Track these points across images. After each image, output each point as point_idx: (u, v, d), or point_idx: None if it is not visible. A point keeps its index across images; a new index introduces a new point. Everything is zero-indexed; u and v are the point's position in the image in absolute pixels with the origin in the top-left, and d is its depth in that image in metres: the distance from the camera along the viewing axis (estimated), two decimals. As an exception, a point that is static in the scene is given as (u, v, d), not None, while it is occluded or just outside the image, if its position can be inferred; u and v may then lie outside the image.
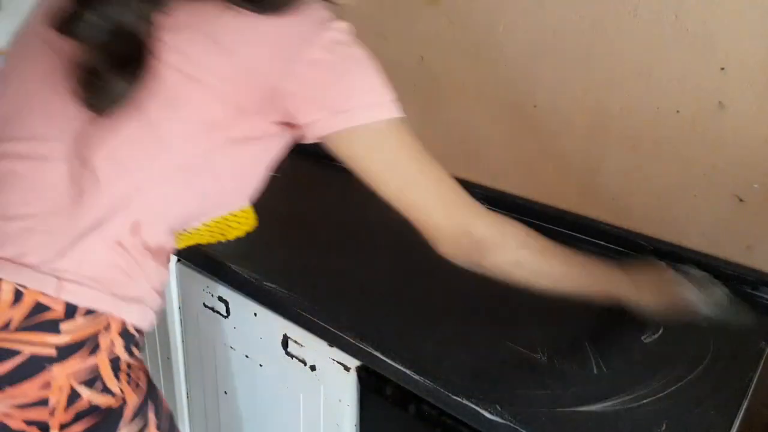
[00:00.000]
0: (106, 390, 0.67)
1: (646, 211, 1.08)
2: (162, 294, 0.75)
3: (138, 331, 0.71)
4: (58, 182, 0.65)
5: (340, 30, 0.71)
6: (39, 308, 0.63)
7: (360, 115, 0.70)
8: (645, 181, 1.06)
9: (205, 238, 0.84)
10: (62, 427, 0.64)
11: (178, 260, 1.10)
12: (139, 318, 0.70)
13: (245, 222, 0.88)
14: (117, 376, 0.68)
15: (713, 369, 0.81)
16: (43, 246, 0.64)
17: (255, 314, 0.98)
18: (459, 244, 0.75)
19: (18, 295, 0.62)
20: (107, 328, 0.67)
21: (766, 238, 0.98)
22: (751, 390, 0.79)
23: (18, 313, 0.62)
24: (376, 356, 0.82)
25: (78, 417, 0.65)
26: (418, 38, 1.28)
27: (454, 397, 0.75)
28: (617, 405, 0.74)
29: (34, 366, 0.63)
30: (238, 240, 1.12)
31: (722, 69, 0.94)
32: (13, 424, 0.63)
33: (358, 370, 0.87)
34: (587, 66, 1.07)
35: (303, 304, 0.90)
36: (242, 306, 1.00)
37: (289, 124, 0.71)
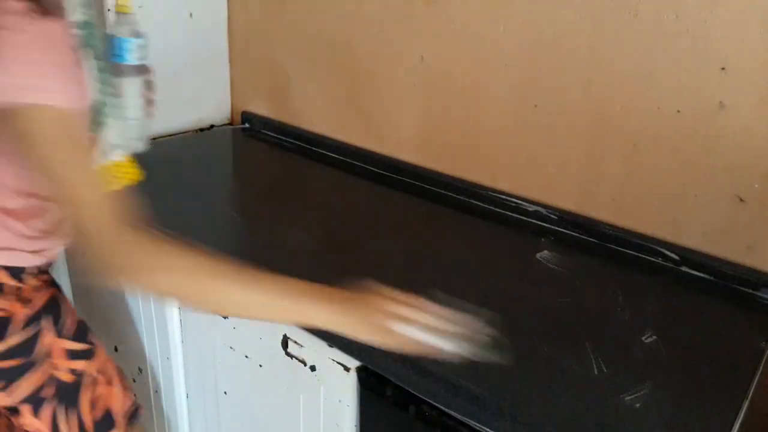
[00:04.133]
0: None
1: (647, 211, 1.08)
2: (43, 234, 0.91)
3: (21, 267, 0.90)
4: None
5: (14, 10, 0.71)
6: None
7: (31, 95, 0.70)
8: (645, 181, 1.06)
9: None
10: None
11: (178, 260, 1.10)
12: (13, 259, 0.89)
13: (127, 173, 1.06)
14: (2, 297, 0.89)
15: (713, 369, 0.81)
16: None
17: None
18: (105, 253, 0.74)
19: None
20: None
21: (767, 238, 0.98)
22: (751, 390, 0.79)
23: None
24: (376, 356, 0.82)
25: None
26: (418, 38, 1.28)
27: (454, 398, 0.75)
28: (617, 405, 0.73)
29: None
30: (239, 240, 1.12)
31: (722, 69, 0.94)
32: None
33: (358, 370, 0.87)
34: (587, 66, 1.07)
35: (303, 304, 0.90)
36: (242, 306, 1.00)
37: None
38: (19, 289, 0.92)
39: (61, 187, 0.73)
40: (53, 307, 0.96)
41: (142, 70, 1.01)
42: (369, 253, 1.06)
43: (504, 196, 1.23)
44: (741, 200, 0.98)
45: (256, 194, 1.34)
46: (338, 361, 0.88)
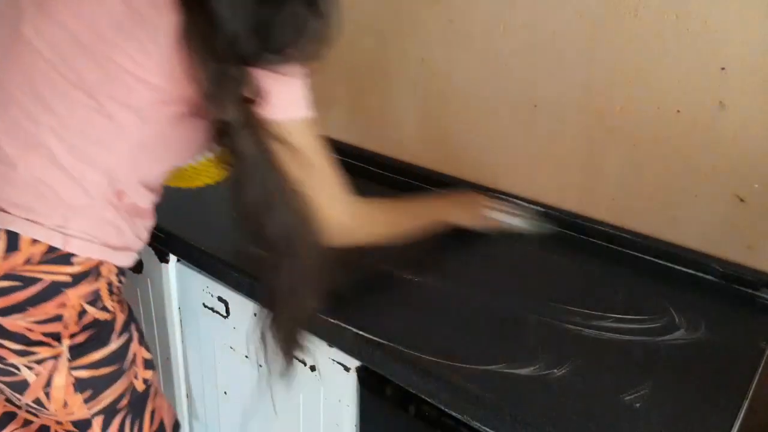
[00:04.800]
0: (104, 308, 0.85)
1: (647, 211, 1.08)
2: (145, 238, 0.92)
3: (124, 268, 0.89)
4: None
5: None
6: (52, 249, 0.78)
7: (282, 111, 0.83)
8: (645, 181, 1.06)
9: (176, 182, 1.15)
10: (71, 336, 0.82)
11: (178, 260, 1.10)
12: (126, 259, 0.87)
13: (210, 171, 1.15)
14: (111, 298, 0.86)
15: (713, 369, 0.81)
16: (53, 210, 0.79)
17: (255, 314, 0.98)
18: (341, 230, 0.89)
19: (34, 241, 0.78)
20: (105, 262, 0.84)
21: (767, 238, 0.98)
22: (751, 390, 0.79)
23: (37, 251, 0.78)
24: (377, 356, 0.82)
25: (84, 329, 0.83)
26: (418, 38, 1.28)
27: (454, 398, 0.75)
28: (617, 405, 0.73)
29: (53, 290, 0.79)
30: (239, 240, 1.12)
31: (722, 69, 0.94)
32: (32, 336, 0.79)
33: (358, 370, 0.87)
34: (587, 66, 1.07)
35: (303, 304, 0.90)
36: (242, 306, 1.00)
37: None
38: (119, 290, 0.90)
39: (318, 186, 0.85)
40: (133, 314, 0.94)
41: None
42: (367, 252, 1.06)
43: (504, 196, 1.23)
44: (741, 200, 0.98)
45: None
46: (338, 361, 0.88)
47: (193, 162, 1.15)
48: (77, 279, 0.80)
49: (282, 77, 0.80)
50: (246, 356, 1.03)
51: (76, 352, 0.82)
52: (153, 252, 1.12)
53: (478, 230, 1.09)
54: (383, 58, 1.35)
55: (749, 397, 0.78)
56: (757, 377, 0.81)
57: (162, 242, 1.10)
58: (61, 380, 0.81)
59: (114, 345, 0.86)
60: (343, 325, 0.85)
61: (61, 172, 0.78)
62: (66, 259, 0.79)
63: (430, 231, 1.03)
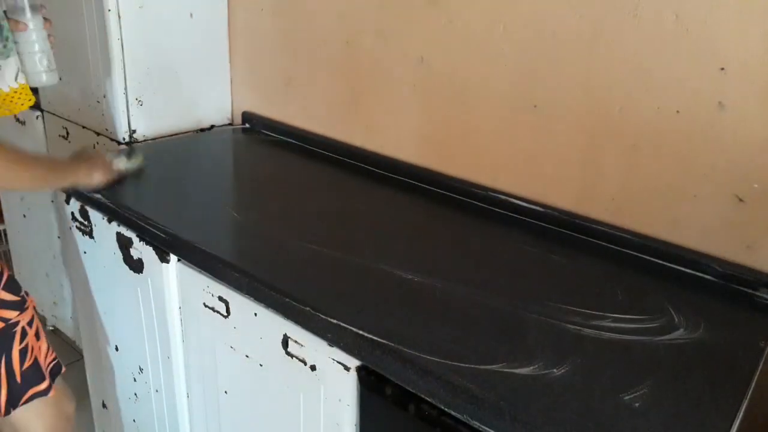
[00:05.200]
0: None
1: (646, 211, 1.08)
2: None
3: None
4: None
5: None
6: None
7: None
8: (645, 181, 1.06)
9: None
10: None
11: (179, 260, 1.10)
12: None
13: (22, 97, 1.16)
14: None
15: (713, 369, 0.81)
16: None
17: (255, 314, 0.98)
18: None
19: None
20: None
21: (766, 238, 0.98)
22: (751, 390, 0.79)
23: None
24: (377, 356, 0.82)
25: None
26: (418, 38, 1.28)
27: (454, 397, 0.76)
28: (617, 405, 0.74)
29: None
30: (239, 240, 1.13)
31: (722, 69, 0.94)
32: None
33: (358, 370, 0.87)
34: (587, 66, 1.07)
35: (303, 304, 0.90)
36: (242, 306, 1.00)
37: None
38: None
39: None
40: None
41: (37, 6, 1.12)
42: (368, 253, 1.06)
43: (503, 196, 1.23)
44: (740, 200, 0.98)
45: (256, 194, 1.34)
46: (338, 360, 0.89)
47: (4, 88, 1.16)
48: None
49: None
50: (246, 356, 1.03)
51: None
52: (154, 252, 1.12)
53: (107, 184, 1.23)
54: (383, 58, 1.36)
55: (748, 396, 0.78)
56: (756, 376, 0.81)
57: (163, 242, 1.10)
58: None
59: None
60: (343, 325, 0.85)
61: None
62: None
63: (60, 188, 1.24)
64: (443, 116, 1.30)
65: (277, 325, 0.95)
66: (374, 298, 0.95)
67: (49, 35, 1.13)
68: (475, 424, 0.75)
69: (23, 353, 1.06)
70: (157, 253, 1.12)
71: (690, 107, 0.98)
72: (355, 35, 1.39)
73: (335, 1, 1.40)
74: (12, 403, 1.11)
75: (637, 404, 0.74)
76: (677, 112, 1.00)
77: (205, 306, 1.07)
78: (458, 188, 1.29)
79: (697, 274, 1.02)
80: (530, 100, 1.16)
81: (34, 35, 1.11)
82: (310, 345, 0.92)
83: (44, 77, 1.14)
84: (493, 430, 0.74)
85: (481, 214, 1.24)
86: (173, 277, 1.12)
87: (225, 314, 1.04)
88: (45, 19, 1.13)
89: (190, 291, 1.11)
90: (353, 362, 0.87)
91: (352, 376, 0.87)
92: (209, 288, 1.05)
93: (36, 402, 1.14)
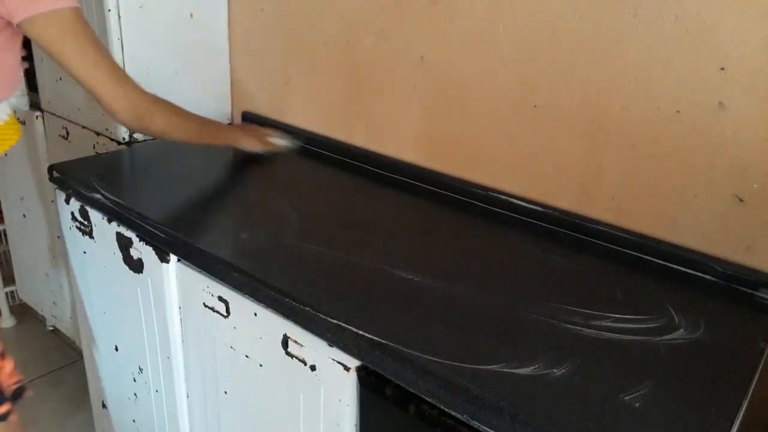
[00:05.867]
0: None
1: (646, 211, 1.08)
2: None
3: None
4: None
5: None
6: None
7: (46, 3, 0.96)
8: (645, 181, 1.07)
9: None
10: None
11: (179, 260, 1.10)
12: None
13: (10, 135, 1.13)
14: None
15: (713, 369, 0.81)
16: None
17: (255, 314, 0.98)
18: (132, 114, 1.10)
19: None
20: None
21: (766, 238, 0.98)
22: (751, 390, 0.79)
23: None
24: (377, 356, 0.82)
25: None
26: (418, 38, 1.28)
27: (454, 397, 0.76)
28: (617, 405, 0.74)
29: None
30: (239, 240, 1.13)
31: (722, 69, 0.94)
32: None
33: (358, 370, 0.87)
34: (587, 66, 1.07)
35: (303, 304, 0.90)
36: (242, 306, 1.00)
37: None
38: None
39: (92, 72, 1.04)
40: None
41: None
42: (368, 253, 1.06)
43: (503, 196, 1.23)
44: (740, 200, 0.98)
45: (255, 194, 1.34)
46: (338, 360, 0.89)
47: None
48: None
49: None
50: (246, 356, 1.03)
51: None
52: (153, 252, 1.12)
53: (261, 153, 1.42)
54: (383, 58, 1.36)
55: (748, 396, 0.78)
56: (756, 377, 0.81)
57: (163, 242, 1.10)
58: None
59: None
60: (343, 325, 0.86)
61: None
62: None
63: (214, 146, 1.37)
64: (443, 116, 1.30)
65: (277, 325, 0.95)
66: (374, 298, 0.95)
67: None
68: (475, 424, 0.75)
69: None
70: (157, 253, 1.12)
71: (690, 107, 0.99)
72: (356, 35, 1.39)
73: (335, 1, 1.40)
74: None
75: (637, 404, 0.74)
76: (677, 112, 1.00)
77: (205, 306, 1.07)
78: (458, 188, 1.29)
79: (697, 274, 1.02)
80: (530, 100, 1.16)
81: None
82: (310, 345, 0.92)
83: (15, 101, 1.14)
84: (493, 430, 0.74)
85: (480, 214, 1.24)
86: (173, 277, 1.12)
87: (225, 314, 1.04)
88: None
89: (190, 291, 1.11)
90: (353, 362, 0.87)
91: (352, 376, 0.87)
92: (209, 288, 1.05)
93: None
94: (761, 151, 0.94)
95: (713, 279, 1.01)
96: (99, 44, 1.05)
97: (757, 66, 0.91)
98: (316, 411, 0.95)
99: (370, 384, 0.86)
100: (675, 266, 1.04)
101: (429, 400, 0.79)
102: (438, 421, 0.79)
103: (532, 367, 0.79)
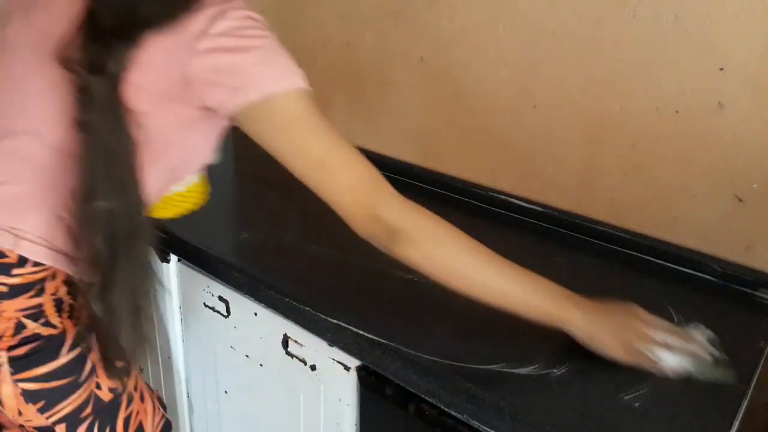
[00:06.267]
0: (48, 324, 0.82)
1: (646, 211, 1.08)
2: None
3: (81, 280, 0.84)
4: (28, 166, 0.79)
5: (236, 18, 0.75)
6: None
7: (255, 89, 0.75)
8: (644, 181, 1.07)
9: (162, 211, 1.09)
10: (10, 348, 0.80)
11: (179, 260, 1.11)
12: (80, 271, 0.82)
13: (197, 196, 1.09)
14: (59, 314, 0.83)
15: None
16: (6, 208, 0.79)
17: (255, 314, 0.98)
18: (368, 228, 0.78)
19: None
20: (54, 276, 0.82)
21: (766, 238, 0.98)
22: (750, 390, 0.79)
23: None
24: (377, 356, 0.82)
25: (24, 342, 0.80)
26: (418, 38, 1.28)
27: (454, 397, 0.76)
28: (617, 405, 0.74)
29: None
30: (239, 240, 1.13)
31: (722, 69, 0.94)
32: None
33: (358, 370, 0.87)
34: (587, 66, 1.07)
35: (303, 304, 0.90)
36: (242, 306, 1.00)
37: (210, 109, 0.79)
38: (71, 305, 0.86)
39: (329, 161, 0.77)
40: (96, 323, 0.90)
41: None
42: (367, 252, 1.06)
43: (503, 196, 1.23)
44: (740, 200, 0.98)
45: (255, 194, 1.34)
46: (338, 360, 0.89)
47: (181, 188, 1.10)
48: (15, 291, 0.78)
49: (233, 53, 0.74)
50: (246, 355, 1.03)
51: (19, 365, 0.80)
52: (154, 251, 1.12)
53: (624, 363, 0.77)
54: (383, 58, 1.36)
55: (748, 396, 0.78)
56: (756, 377, 0.81)
57: (163, 242, 1.10)
58: (8, 390, 0.81)
59: (64, 359, 0.83)
60: (343, 325, 0.86)
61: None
62: (6, 269, 0.78)
63: (533, 321, 0.77)
64: (443, 116, 1.30)
65: (277, 325, 0.95)
66: (374, 298, 0.95)
67: None
68: (475, 424, 0.75)
69: (126, 422, 0.92)
70: (157, 253, 1.12)
71: (690, 107, 0.99)
72: (356, 35, 1.39)
73: (335, 1, 1.40)
74: None
75: (637, 404, 0.74)
76: (677, 112, 1.00)
77: (205, 306, 1.07)
78: (458, 188, 1.29)
79: (697, 274, 1.02)
80: (530, 100, 1.16)
81: None
82: (310, 345, 0.92)
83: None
84: (493, 430, 0.74)
85: (480, 214, 1.24)
86: (173, 277, 1.12)
87: (225, 314, 1.04)
88: None
89: (190, 291, 1.11)
90: (353, 362, 0.87)
91: (352, 376, 0.87)
92: (209, 288, 1.05)
93: None
94: (761, 151, 0.94)
95: (713, 279, 1.01)
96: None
97: (757, 66, 0.91)
98: (316, 411, 0.95)
99: (370, 384, 0.86)
100: (675, 266, 1.04)
101: (429, 399, 0.79)
102: (438, 421, 0.79)
103: (532, 367, 0.79)
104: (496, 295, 0.77)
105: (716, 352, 0.78)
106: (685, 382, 0.77)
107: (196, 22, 0.74)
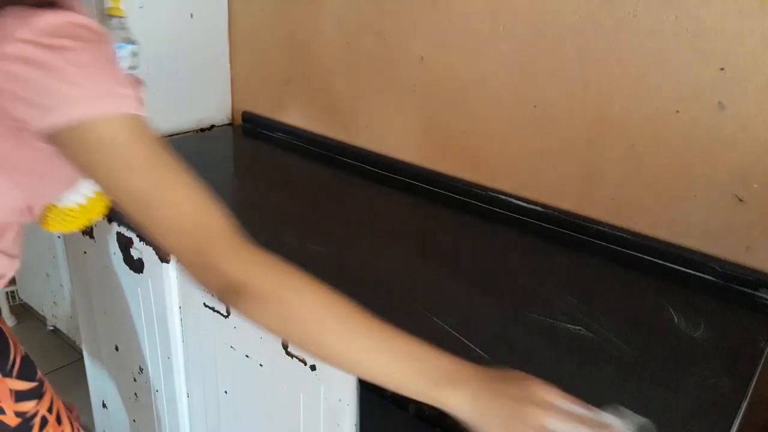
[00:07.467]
0: None
1: (646, 211, 1.08)
2: (13, 256, 0.86)
3: None
4: None
5: (54, 24, 0.63)
6: None
7: (65, 111, 0.61)
8: (645, 181, 1.07)
9: (58, 226, 0.97)
10: None
11: (179, 260, 1.10)
12: None
13: (90, 211, 0.97)
14: None
15: (712, 369, 0.81)
16: None
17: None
18: (201, 277, 0.66)
19: None
20: None
21: (766, 238, 0.98)
22: (751, 390, 0.79)
23: None
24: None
25: None
26: (418, 38, 1.28)
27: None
28: (616, 405, 0.74)
29: None
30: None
31: (722, 69, 0.94)
32: None
33: (358, 369, 0.87)
34: (587, 66, 1.07)
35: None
36: (242, 306, 1.00)
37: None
38: None
39: (151, 197, 0.63)
40: (0, 342, 0.83)
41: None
42: (367, 252, 1.06)
43: (503, 196, 1.23)
44: (740, 200, 0.98)
45: (256, 194, 1.34)
46: (338, 360, 0.88)
47: (81, 200, 0.99)
48: None
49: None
50: (246, 355, 1.03)
51: None
52: (154, 252, 1.12)
53: None
54: (383, 58, 1.36)
55: (748, 396, 0.78)
56: (756, 377, 0.81)
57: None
58: None
59: None
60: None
61: None
62: None
63: (401, 390, 0.66)
64: (443, 116, 1.30)
65: (277, 325, 0.95)
66: (374, 298, 0.94)
67: None
68: (475, 424, 0.75)
69: None
70: (157, 253, 1.12)
71: (690, 107, 0.99)
72: (355, 35, 1.39)
73: (335, 1, 1.40)
74: None
75: (637, 404, 0.74)
76: (677, 112, 1.00)
77: (205, 306, 1.07)
78: (458, 188, 1.29)
79: (697, 274, 1.02)
80: (530, 100, 1.16)
81: None
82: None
83: None
84: (493, 430, 0.74)
85: (480, 214, 1.24)
86: (173, 277, 1.12)
87: (225, 314, 1.04)
88: None
89: (190, 291, 1.11)
90: (353, 362, 0.87)
91: (352, 376, 0.87)
92: (209, 288, 1.05)
93: None
94: (761, 151, 0.94)
95: (713, 279, 1.01)
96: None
97: (757, 66, 0.91)
98: (316, 411, 0.95)
99: (370, 384, 0.86)
100: (675, 266, 1.04)
101: (429, 399, 0.79)
102: (438, 421, 0.79)
103: (532, 368, 0.79)
104: (360, 370, 0.67)
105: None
106: (685, 381, 0.77)
107: (2, 22, 0.62)
